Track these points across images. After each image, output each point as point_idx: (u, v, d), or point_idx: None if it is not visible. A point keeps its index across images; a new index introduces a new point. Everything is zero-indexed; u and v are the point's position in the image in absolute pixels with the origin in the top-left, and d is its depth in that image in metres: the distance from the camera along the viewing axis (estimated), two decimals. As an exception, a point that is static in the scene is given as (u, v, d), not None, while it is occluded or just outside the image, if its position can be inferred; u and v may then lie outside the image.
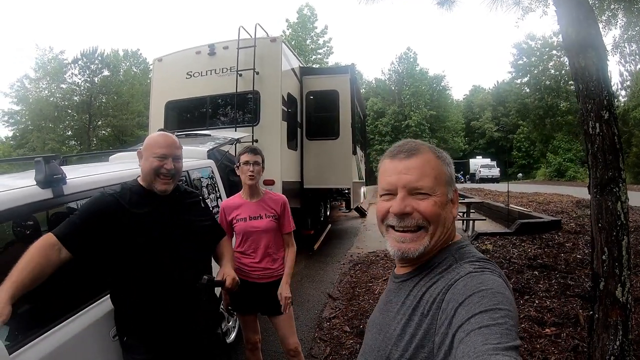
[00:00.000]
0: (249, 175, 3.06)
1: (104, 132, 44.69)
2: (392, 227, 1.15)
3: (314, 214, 10.37)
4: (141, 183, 2.37)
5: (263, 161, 3.18)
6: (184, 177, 3.77)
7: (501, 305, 0.88)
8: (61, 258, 1.97)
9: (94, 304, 2.34)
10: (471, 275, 0.99)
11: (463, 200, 11.76)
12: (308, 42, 45.30)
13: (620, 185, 3.06)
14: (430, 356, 0.96)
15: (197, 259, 2.46)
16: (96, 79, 42.30)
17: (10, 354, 1.73)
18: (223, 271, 2.57)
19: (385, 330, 1.14)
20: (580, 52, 3.27)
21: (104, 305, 2.35)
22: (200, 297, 2.40)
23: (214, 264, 2.74)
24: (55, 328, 2.04)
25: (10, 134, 42.40)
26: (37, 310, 2.11)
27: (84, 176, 2.66)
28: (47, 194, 2.22)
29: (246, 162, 3.06)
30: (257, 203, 3.16)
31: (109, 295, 2.34)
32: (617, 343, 2.98)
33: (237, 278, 2.57)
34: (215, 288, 2.68)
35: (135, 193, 2.32)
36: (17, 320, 1.79)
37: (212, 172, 4.49)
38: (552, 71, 39.67)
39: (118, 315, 2.30)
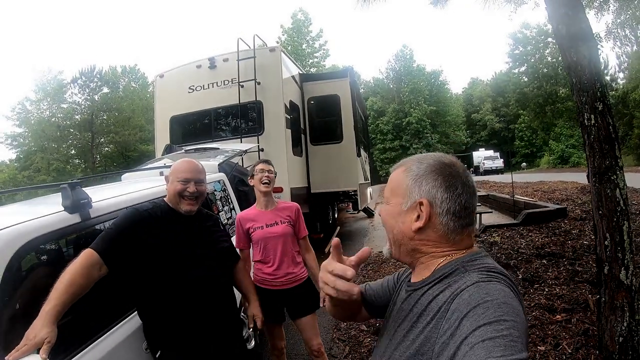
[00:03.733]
0: (264, 182, 3.22)
1: (107, 148, 44.77)
2: None
3: (323, 218, 10.47)
4: (168, 203, 2.53)
5: (275, 172, 3.36)
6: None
7: (506, 317, 0.86)
8: (100, 275, 2.07)
9: (126, 319, 2.43)
10: (477, 285, 0.97)
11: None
12: (304, 46, 45.18)
13: (618, 172, 3.18)
14: None
15: (220, 276, 2.59)
16: (96, 97, 42.39)
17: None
18: (252, 312, 2.92)
19: (392, 336, 1.18)
20: (572, 46, 3.39)
21: (136, 318, 2.44)
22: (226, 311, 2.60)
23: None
24: (92, 345, 2.13)
25: (14, 156, 42.66)
26: (73, 327, 2.15)
27: (108, 198, 2.76)
28: (75, 218, 2.30)
29: (262, 170, 3.24)
30: (272, 212, 3.29)
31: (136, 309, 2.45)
32: (625, 324, 3.10)
33: (262, 316, 2.94)
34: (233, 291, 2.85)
35: (164, 212, 2.47)
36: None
37: (224, 185, 4.60)
38: (549, 58, 39.36)
39: (150, 330, 2.40)
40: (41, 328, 1.71)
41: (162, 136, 8.86)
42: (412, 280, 1.24)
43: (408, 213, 1.15)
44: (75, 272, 1.96)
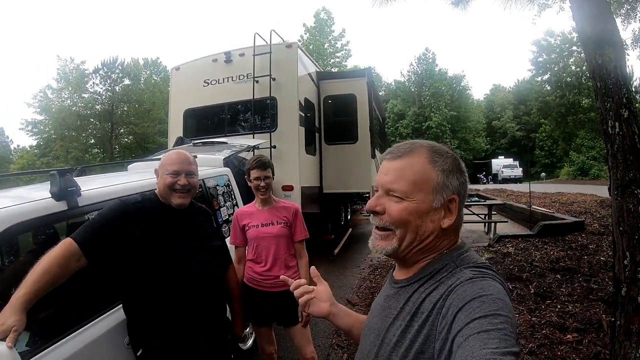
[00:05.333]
0: (261, 192, 3.09)
1: (126, 139, 45.26)
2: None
3: (334, 219, 10.33)
4: (158, 196, 2.43)
5: (273, 172, 3.19)
6: (200, 187, 3.81)
7: (501, 312, 0.87)
8: (78, 266, 1.99)
9: (108, 312, 2.38)
10: (472, 281, 0.97)
11: (484, 202, 11.61)
12: (326, 46, 45.36)
13: (643, 186, 2.98)
14: None
15: (210, 271, 2.49)
16: (117, 88, 42.93)
17: None
18: (234, 328, 2.83)
19: (383, 336, 1.12)
20: (597, 48, 3.20)
21: (118, 313, 2.38)
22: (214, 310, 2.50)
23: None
24: (70, 336, 2.09)
25: (35, 143, 43.41)
26: (52, 318, 2.14)
27: (98, 188, 2.70)
28: (61, 206, 2.26)
29: (257, 178, 3.07)
30: (269, 211, 3.18)
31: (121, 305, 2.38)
32: (640, 351, 2.89)
33: (245, 331, 2.97)
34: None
35: (154, 205, 2.38)
36: (32, 328, 1.84)
37: (229, 180, 4.50)
38: (573, 68, 38.93)
39: (134, 326, 2.33)
40: (10, 315, 1.67)
41: (175, 128, 8.84)
42: (397, 277, 1.21)
43: (438, 210, 1.10)
44: (52, 261, 1.89)
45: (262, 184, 3.06)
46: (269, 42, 7.82)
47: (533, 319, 4.44)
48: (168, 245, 2.29)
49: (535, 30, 59.74)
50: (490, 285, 0.95)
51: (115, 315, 2.38)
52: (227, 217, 4.17)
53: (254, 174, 3.08)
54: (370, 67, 11.20)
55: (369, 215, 1.21)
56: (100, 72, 42.03)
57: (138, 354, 2.30)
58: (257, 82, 7.68)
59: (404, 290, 1.14)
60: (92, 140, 43.83)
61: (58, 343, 2.00)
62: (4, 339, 1.59)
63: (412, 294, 1.10)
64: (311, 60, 9.23)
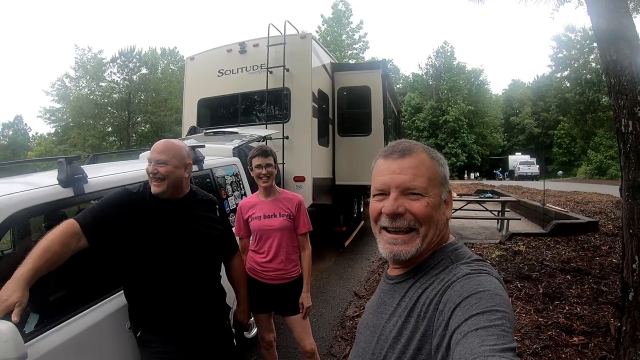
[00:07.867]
0: (263, 179, 3.06)
1: (143, 128, 45.64)
2: (385, 228, 1.12)
3: (347, 211, 10.28)
4: None
5: (275, 160, 3.15)
6: (208, 176, 3.82)
7: (498, 307, 0.87)
8: (78, 247, 2.02)
9: (111, 296, 2.42)
10: (468, 277, 0.98)
11: (498, 199, 11.48)
12: (344, 37, 45.29)
13: (655, 188, 2.90)
14: (428, 358, 0.95)
15: (202, 263, 2.47)
16: (135, 77, 43.33)
17: (28, 340, 1.83)
18: (237, 317, 2.98)
19: (380, 333, 1.11)
20: (612, 44, 3.12)
21: (120, 297, 2.42)
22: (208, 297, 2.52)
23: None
24: (74, 317, 2.13)
25: (52, 130, 44.08)
26: (58, 300, 2.20)
27: (105, 175, 2.73)
28: (68, 192, 2.30)
29: (258, 166, 3.04)
30: (272, 202, 3.15)
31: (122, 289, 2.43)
32: (645, 358, 2.83)
33: (248, 318, 3.07)
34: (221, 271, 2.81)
35: (153, 194, 2.36)
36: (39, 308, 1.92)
37: (238, 170, 4.50)
38: (594, 64, 38.06)
39: (132, 310, 2.37)
40: (13, 291, 1.70)
41: (189, 118, 8.94)
42: (392, 274, 1.21)
43: (443, 203, 1.13)
44: (53, 240, 1.93)
45: (264, 171, 3.03)
46: (283, 33, 7.80)
47: (540, 319, 4.38)
48: (159, 235, 2.30)
49: (556, 25, 58.93)
50: (487, 281, 0.95)
51: (117, 300, 2.42)
52: (235, 206, 4.17)
53: (255, 161, 3.05)
54: (385, 60, 11.12)
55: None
56: (118, 61, 42.46)
57: (138, 335, 2.35)
58: (271, 72, 7.69)
59: (399, 287, 1.14)
60: (109, 129, 44.31)
61: (63, 324, 2.05)
62: (5, 317, 1.62)
63: (408, 289, 1.10)
64: (325, 51, 9.18)
